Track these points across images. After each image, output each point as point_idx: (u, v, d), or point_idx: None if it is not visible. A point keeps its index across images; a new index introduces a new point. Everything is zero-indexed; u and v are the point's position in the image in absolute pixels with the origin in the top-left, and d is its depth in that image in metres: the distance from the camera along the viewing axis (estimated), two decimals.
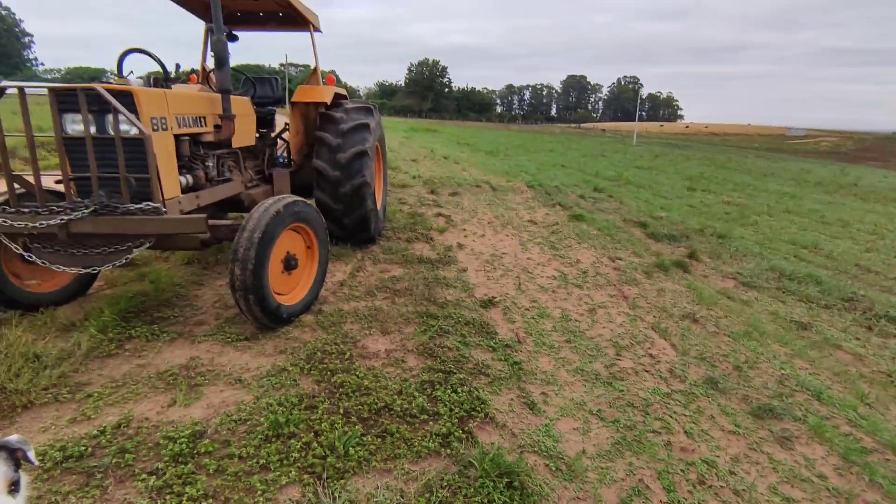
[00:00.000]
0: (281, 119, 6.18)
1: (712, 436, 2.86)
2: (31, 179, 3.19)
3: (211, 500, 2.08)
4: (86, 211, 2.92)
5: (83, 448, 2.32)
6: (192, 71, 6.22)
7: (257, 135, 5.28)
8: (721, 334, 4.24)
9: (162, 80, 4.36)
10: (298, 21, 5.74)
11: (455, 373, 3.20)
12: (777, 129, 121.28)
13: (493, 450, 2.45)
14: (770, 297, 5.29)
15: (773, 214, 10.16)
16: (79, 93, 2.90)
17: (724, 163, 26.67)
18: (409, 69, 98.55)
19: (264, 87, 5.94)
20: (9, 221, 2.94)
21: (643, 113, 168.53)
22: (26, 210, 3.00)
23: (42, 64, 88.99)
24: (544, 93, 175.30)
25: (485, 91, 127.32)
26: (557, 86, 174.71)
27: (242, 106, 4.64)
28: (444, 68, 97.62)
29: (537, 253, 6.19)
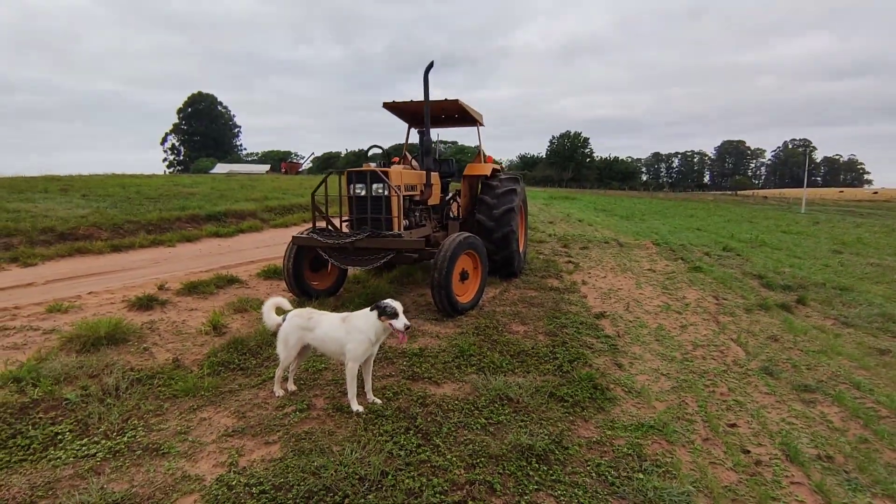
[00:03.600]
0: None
1: (749, 393, 4.14)
2: (327, 219, 5.84)
3: (433, 371, 4.09)
4: (364, 235, 5.39)
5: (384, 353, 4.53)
6: (396, 154, 9.06)
7: (441, 196, 7.72)
8: (795, 349, 5.27)
9: (386, 162, 7.00)
10: (469, 120, 8.26)
11: (569, 343, 4.90)
12: None
13: (587, 372, 4.12)
14: (864, 333, 5.98)
15: None
16: (367, 173, 5.47)
17: None
18: (551, 141, 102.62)
19: (445, 165, 8.47)
20: (324, 240, 5.52)
21: (818, 178, 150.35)
22: (333, 235, 5.58)
23: (245, 149, 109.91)
24: (695, 160, 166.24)
25: (629, 160, 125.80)
26: (710, 152, 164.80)
27: (435, 178, 7.08)
28: (586, 139, 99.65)
29: (649, 290, 7.56)
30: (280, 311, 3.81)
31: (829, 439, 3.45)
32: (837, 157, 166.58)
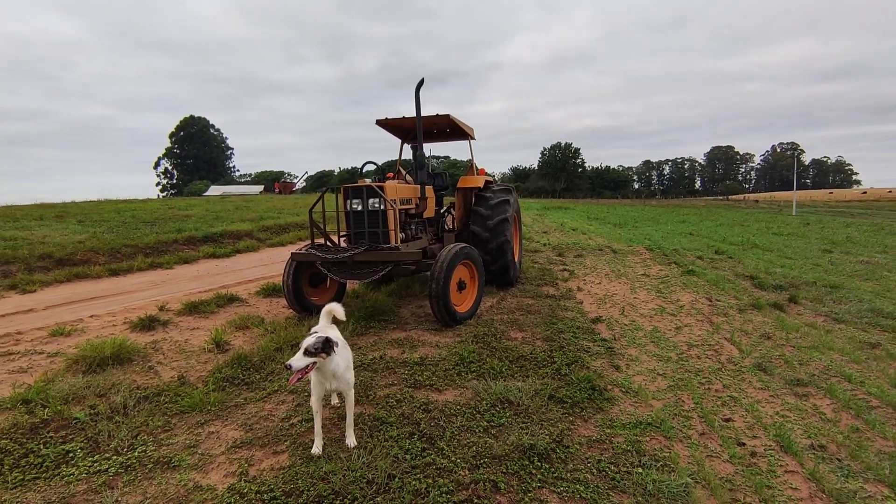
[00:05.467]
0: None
1: (744, 389, 4.24)
2: (328, 235, 5.95)
3: (434, 378, 4.18)
4: (362, 249, 5.50)
5: (386, 363, 4.61)
6: (390, 170, 9.22)
7: (436, 209, 7.85)
8: (788, 346, 5.38)
9: (380, 177, 7.13)
10: (461, 134, 8.44)
11: (566, 348, 5.00)
12: None
13: (585, 375, 4.22)
14: (854, 329, 6.10)
15: None
16: (364, 188, 5.60)
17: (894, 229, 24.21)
18: (542, 153, 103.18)
19: (438, 179, 8.63)
20: (323, 255, 5.62)
21: (807, 181, 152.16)
22: (332, 250, 5.69)
23: (238, 170, 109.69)
24: (686, 166, 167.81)
25: (620, 168, 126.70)
26: (700, 158, 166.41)
27: (429, 191, 7.22)
28: (577, 150, 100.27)
29: (644, 294, 7.68)
30: (335, 320, 3.80)
31: (822, 430, 3.55)
32: (825, 158, 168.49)
